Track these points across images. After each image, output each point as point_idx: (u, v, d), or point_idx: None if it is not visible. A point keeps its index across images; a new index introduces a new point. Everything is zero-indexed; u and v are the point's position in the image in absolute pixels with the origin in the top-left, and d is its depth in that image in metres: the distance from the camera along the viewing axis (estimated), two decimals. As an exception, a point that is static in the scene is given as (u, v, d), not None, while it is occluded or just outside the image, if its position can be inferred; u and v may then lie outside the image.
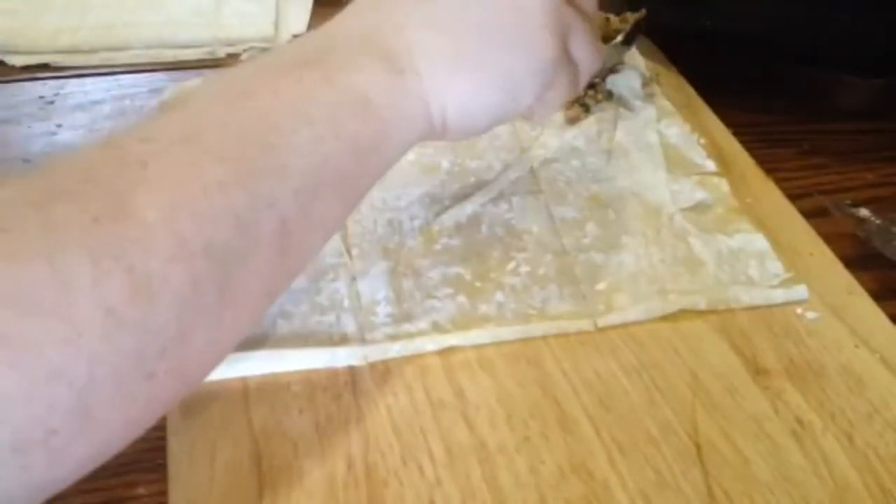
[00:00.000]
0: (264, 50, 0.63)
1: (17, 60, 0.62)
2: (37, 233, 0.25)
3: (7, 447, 0.24)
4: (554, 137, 0.52)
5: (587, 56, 0.40)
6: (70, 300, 0.25)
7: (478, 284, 0.43)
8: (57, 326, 0.24)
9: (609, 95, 0.56)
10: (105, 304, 0.25)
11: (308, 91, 0.33)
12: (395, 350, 0.39)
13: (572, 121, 0.54)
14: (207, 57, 0.64)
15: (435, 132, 0.37)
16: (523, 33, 0.37)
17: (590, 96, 0.55)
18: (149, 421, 0.29)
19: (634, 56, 0.59)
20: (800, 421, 0.37)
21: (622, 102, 0.55)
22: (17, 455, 0.24)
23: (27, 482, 0.25)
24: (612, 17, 0.58)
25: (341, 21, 0.37)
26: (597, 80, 0.56)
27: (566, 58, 0.38)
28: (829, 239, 0.46)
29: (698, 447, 0.36)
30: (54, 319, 0.25)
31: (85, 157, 0.29)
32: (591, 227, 0.46)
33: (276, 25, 0.66)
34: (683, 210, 0.47)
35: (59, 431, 0.25)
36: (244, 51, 0.64)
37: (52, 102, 0.58)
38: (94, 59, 0.63)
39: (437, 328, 0.40)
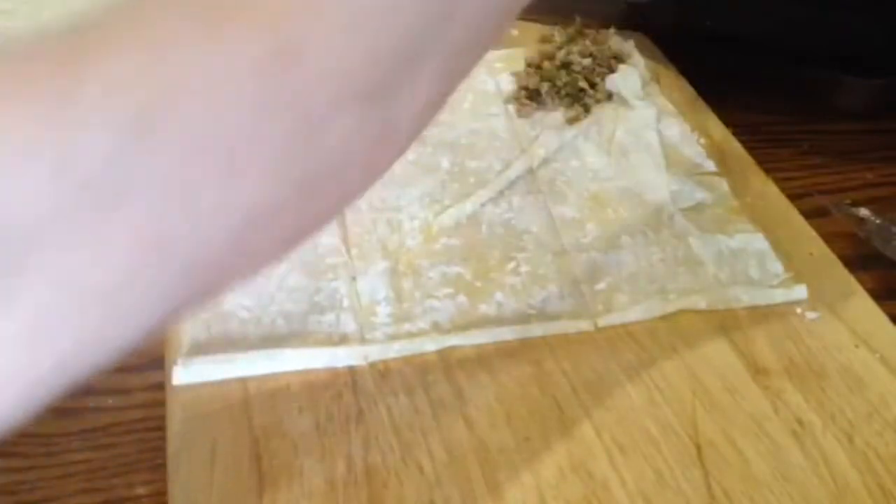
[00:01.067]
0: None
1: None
2: (202, 83, 0.22)
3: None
4: (554, 137, 0.52)
5: None
6: (233, 134, 0.22)
7: (478, 284, 0.43)
8: (218, 159, 0.22)
9: (609, 96, 0.56)
10: (269, 141, 0.23)
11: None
12: (395, 350, 0.39)
13: (572, 121, 0.54)
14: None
15: None
16: None
17: (589, 96, 0.55)
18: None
19: (634, 56, 0.59)
20: (800, 421, 0.37)
21: (622, 102, 0.55)
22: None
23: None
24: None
25: None
26: (597, 80, 0.56)
27: None
28: (829, 239, 0.46)
29: (698, 447, 0.36)
30: (216, 153, 0.22)
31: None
32: (591, 227, 0.46)
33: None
34: (683, 210, 0.47)
35: (221, 253, 0.23)
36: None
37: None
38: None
39: (436, 328, 0.40)
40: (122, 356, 0.23)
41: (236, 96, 0.22)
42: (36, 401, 0.23)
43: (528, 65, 0.57)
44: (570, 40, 0.58)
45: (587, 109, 0.55)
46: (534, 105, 0.55)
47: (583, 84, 0.55)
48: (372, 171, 0.27)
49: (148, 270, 0.22)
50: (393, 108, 0.26)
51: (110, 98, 0.21)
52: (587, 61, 0.56)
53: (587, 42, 0.58)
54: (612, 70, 0.57)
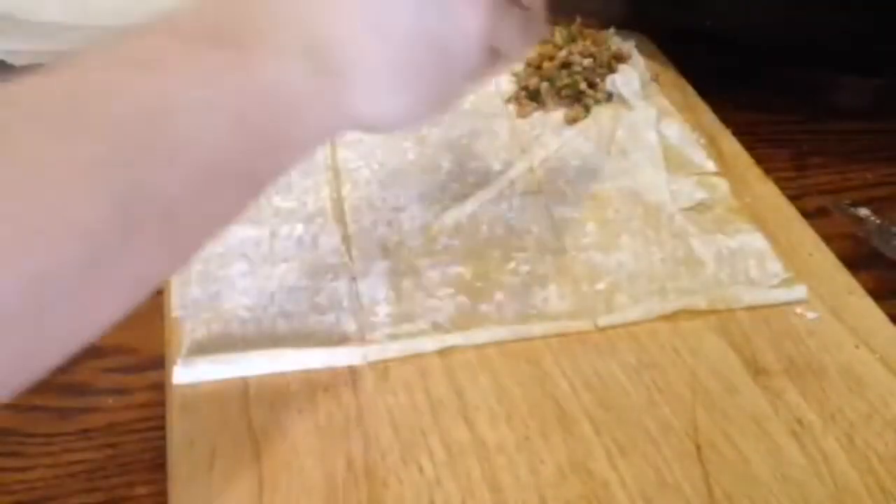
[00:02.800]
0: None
1: (17, 60, 0.62)
2: None
3: None
4: (554, 137, 0.52)
5: (512, 46, 0.38)
6: None
7: (478, 284, 0.43)
8: None
9: (609, 96, 0.56)
10: None
11: (215, 72, 0.29)
12: (394, 350, 0.39)
13: (572, 121, 0.54)
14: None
15: (351, 130, 0.35)
16: (459, 47, 0.34)
17: (589, 96, 0.55)
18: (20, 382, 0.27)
19: (634, 56, 0.59)
20: (800, 421, 0.37)
21: (622, 102, 0.55)
22: None
23: None
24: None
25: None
26: (597, 80, 0.56)
27: (490, 54, 0.36)
28: (829, 239, 0.46)
29: (698, 447, 0.36)
30: None
31: None
32: (590, 227, 0.46)
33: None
34: (683, 210, 0.47)
35: None
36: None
37: (51, 102, 0.58)
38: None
39: (436, 328, 0.40)
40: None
41: None
42: None
43: (528, 65, 0.57)
44: (571, 40, 0.58)
45: (587, 109, 0.55)
46: (534, 105, 0.55)
47: (583, 85, 0.55)
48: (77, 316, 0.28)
49: None
50: None
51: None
52: (587, 61, 0.56)
53: (587, 42, 0.58)
54: (612, 70, 0.57)
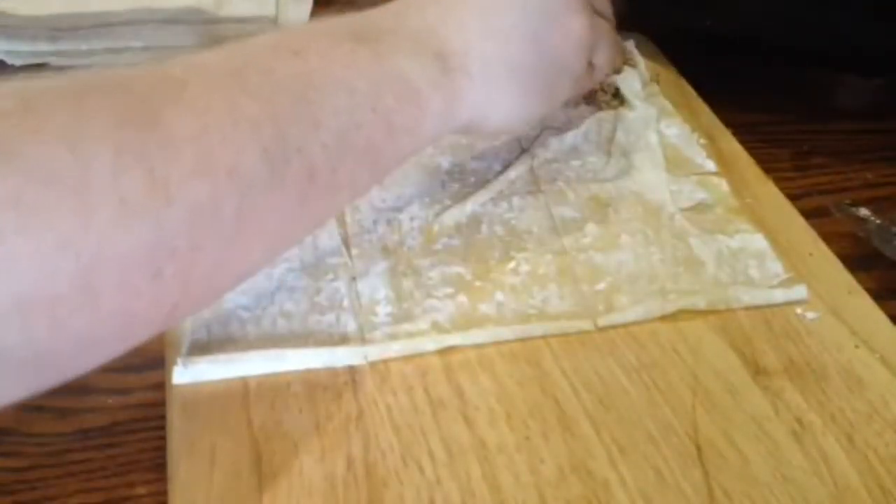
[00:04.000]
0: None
1: (18, 60, 0.62)
2: (64, 119, 0.26)
3: (11, 304, 0.25)
4: (554, 137, 0.52)
5: (606, 62, 0.45)
6: (87, 181, 0.26)
7: (478, 284, 0.43)
8: (70, 199, 0.25)
9: (616, 92, 0.55)
10: (120, 193, 0.26)
11: (355, 61, 0.34)
12: (395, 349, 0.39)
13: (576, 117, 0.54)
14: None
15: (468, 130, 0.40)
16: (567, 54, 0.41)
17: (601, 97, 0.55)
18: (148, 328, 0.30)
19: (634, 56, 0.59)
20: (800, 421, 0.37)
21: (622, 102, 0.55)
22: (20, 313, 0.25)
23: (27, 343, 0.26)
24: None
25: (403, 7, 0.38)
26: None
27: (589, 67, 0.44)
28: (829, 239, 0.46)
29: (698, 447, 0.36)
30: (68, 193, 0.25)
31: (125, 71, 0.30)
32: (591, 227, 0.46)
33: (276, 25, 0.66)
34: (683, 210, 0.47)
35: (62, 299, 0.26)
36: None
37: (51, 102, 0.58)
38: (95, 60, 0.63)
39: (437, 328, 0.40)
40: None
41: (88, 149, 0.26)
42: None
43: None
44: None
45: (601, 108, 0.54)
46: None
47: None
48: (235, 258, 0.32)
49: None
50: None
51: None
52: None
53: None
54: (616, 71, 0.57)
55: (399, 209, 0.47)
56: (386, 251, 0.44)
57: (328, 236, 0.45)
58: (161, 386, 0.38)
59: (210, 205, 0.28)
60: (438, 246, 0.45)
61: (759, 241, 0.46)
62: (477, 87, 0.38)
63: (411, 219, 0.46)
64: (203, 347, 0.39)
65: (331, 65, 0.33)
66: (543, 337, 0.40)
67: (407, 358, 0.39)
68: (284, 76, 0.32)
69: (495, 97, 0.39)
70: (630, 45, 0.59)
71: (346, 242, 0.44)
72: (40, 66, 0.62)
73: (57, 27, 0.64)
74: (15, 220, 0.24)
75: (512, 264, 0.44)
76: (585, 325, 0.41)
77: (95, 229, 0.26)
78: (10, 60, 0.62)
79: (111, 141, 0.26)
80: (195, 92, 0.29)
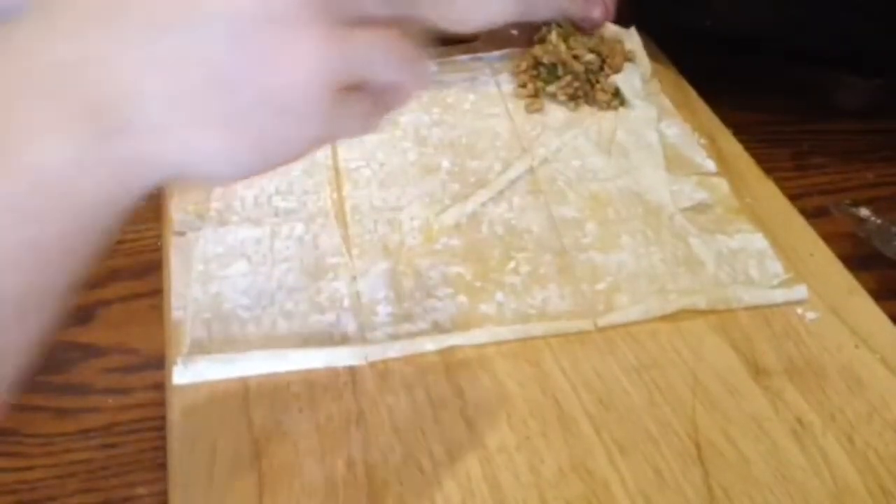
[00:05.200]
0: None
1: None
2: None
3: None
4: (554, 137, 0.52)
5: (393, 74, 0.30)
6: None
7: (478, 284, 0.43)
8: None
9: (615, 92, 0.55)
10: None
11: None
12: (395, 349, 0.39)
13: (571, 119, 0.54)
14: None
15: (169, 184, 0.32)
16: (283, 89, 0.27)
17: (599, 93, 0.55)
18: None
19: (635, 56, 0.59)
20: (800, 421, 0.37)
21: (622, 102, 0.55)
22: None
23: None
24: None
25: (28, 44, 0.26)
26: (600, 78, 0.55)
27: (351, 97, 0.29)
28: (829, 239, 0.46)
29: (698, 447, 0.36)
30: None
31: None
32: (591, 227, 0.46)
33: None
34: (683, 210, 0.47)
35: None
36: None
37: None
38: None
39: (437, 328, 0.40)
40: None
41: None
42: None
43: (529, 65, 0.57)
44: (565, 39, 0.57)
45: (600, 107, 0.55)
46: (540, 102, 0.55)
47: (576, 83, 0.55)
48: None
49: None
50: None
51: None
52: (591, 57, 0.56)
53: (585, 39, 0.57)
54: (616, 70, 0.56)
55: (399, 209, 0.47)
56: (386, 251, 0.44)
57: (328, 236, 0.45)
58: (161, 386, 0.38)
59: None
60: (438, 246, 0.45)
61: (759, 241, 0.46)
62: (154, 143, 0.27)
63: (411, 219, 0.46)
64: (203, 347, 0.39)
65: None
66: (543, 337, 0.40)
67: (407, 358, 0.39)
68: None
69: (188, 151, 0.28)
70: (632, 32, 0.59)
71: (346, 242, 0.44)
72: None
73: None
74: None
75: (512, 264, 0.44)
76: (585, 325, 0.41)
77: None
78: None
79: None
80: None
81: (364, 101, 0.30)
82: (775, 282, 0.43)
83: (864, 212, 0.50)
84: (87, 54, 0.26)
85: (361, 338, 0.40)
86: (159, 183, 0.28)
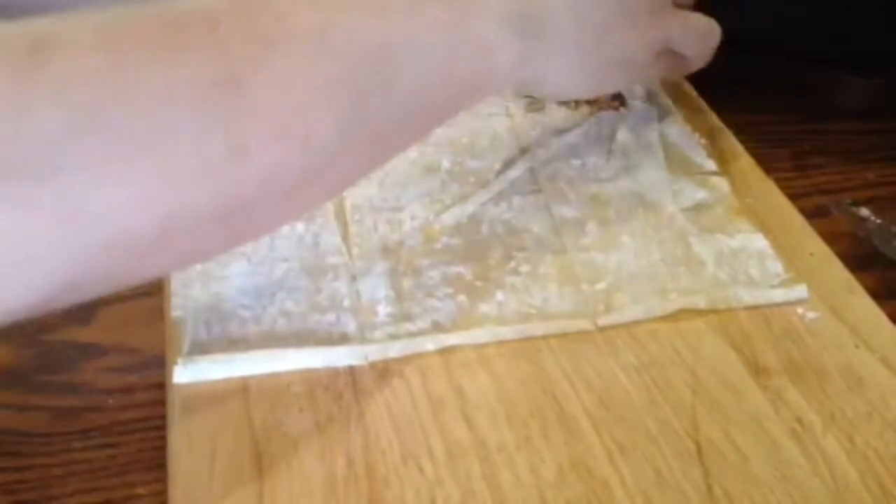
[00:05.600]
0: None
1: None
2: (154, 83, 0.28)
3: (99, 247, 0.28)
4: (554, 137, 0.52)
5: (698, 54, 0.47)
6: (173, 145, 0.28)
7: (478, 284, 0.43)
8: (156, 160, 0.28)
9: (617, 93, 0.55)
10: (202, 156, 0.28)
11: (437, 24, 0.35)
12: (395, 349, 0.39)
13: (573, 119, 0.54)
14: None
15: (522, 88, 0.44)
16: (632, 46, 0.43)
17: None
18: (208, 258, 0.39)
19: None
20: (800, 421, 0.37)
21: (622, 102, 0.55)
22: (106, 253, 0.28)
23: (107, 278, 0.30)
24: None
25: None
26: None
27: (664, 57, 0.45)
28: (829, 239, 0.46)
29: (698, 447, 0.36)
30: (155, 154, 0.28)
31: (219, 13, 0.30)
32: (591, 227, 0.46)
33: None
34: (684, 210, 0.47)
35: (141, 243, 0.29)
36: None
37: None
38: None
39: (437, 327, 0.40)
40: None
41: (177, 114, 0.28)
42: None
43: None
44: None
45: (601, 107, 0.55)
46: (540, 102, 0.55)
47: None
48: (293, 207, 0.34)
49: (68, 235, 0.27)
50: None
51: (62, 90, 0.26)
52: None
53: None
54: None
55: (399, 209, 0.47)
56: (386, 251, 0.44)
57: (328, 235, 0.45)
58: (161, 386, 0.38)
59: (281, 167, 0.30)
60: (439, 246, 0.45)
61: (759, 241, 0.46)
62: (544, 51, 0.39)
63: (412, 218, 0.46)
64: (203, 347, 0.39)
65: (412, 25, 0.34)
66: (543, 336, 0.40)
67: (407, 358, 0.39)
68: (366, 39, 0.33)
69: (555, 65, 0.40)
70: None
71: (346, 242, 0.44)
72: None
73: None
74: (109, 175, 0.27)
75: (512, 264, 0.44)
76: (585, 324, 0.41)
77: (177, 187, 0.28)
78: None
79: (197, 107, 0.28)
80: (282, 54, 0.30)
81: (670, 60, 0.46)
82: (775, 281, 0.43)
83: (864, 212, 0.50)
84: None
85: (361, 338, 0.40)
86: (524, 83, 0.41)
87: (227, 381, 0.38)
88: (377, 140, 0.34)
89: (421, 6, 0.35)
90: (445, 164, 0.50)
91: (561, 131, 0.53)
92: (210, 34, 0.30)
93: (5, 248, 0.26)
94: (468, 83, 0.37)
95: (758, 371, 0.39)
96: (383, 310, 0.41)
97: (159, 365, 0.39)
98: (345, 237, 0.45)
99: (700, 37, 0.47)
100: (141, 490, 0.36)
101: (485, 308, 0.41)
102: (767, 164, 0.52)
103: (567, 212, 0.47)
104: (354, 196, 0.47)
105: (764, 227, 0.47)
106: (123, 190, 0.27)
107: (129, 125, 0.27)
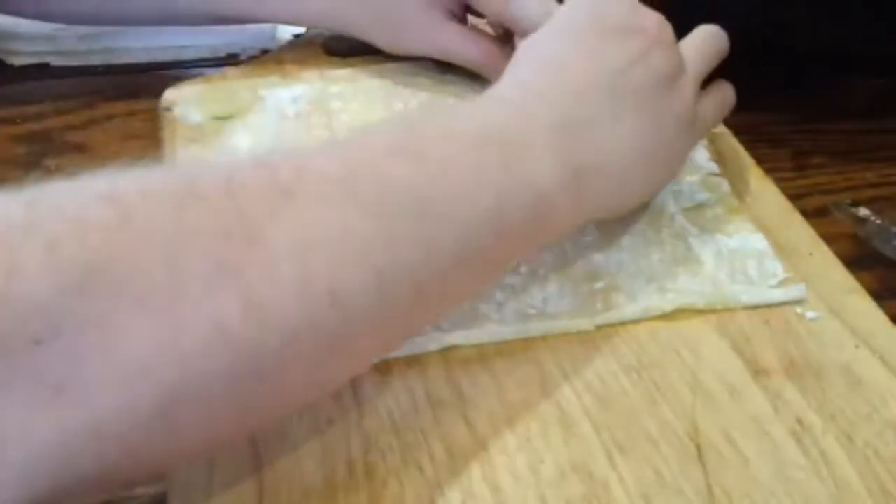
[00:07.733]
0: (264, 52, 0.63)
1: (18, 60, 0.62)
2: (164, 236, 0.25)
3: (88, 432, 0.24)
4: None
5: (715, 118, 0.47)
6: (179, 303, 0.25)
7: (478, 284, 0.42)
8: (159, 322, 0.24)
9: None
10: (213, 317, 0.25)
11: (481, 170, 0.32)
12: (395, 350, 0.39)
13: None
14: (208, 56, 0.64)
15: (593, 220, 0.42)
16: (674, 158, 0.42)
17: None
18: (231, 438, 0.30)
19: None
20: (800, 421, 0.37)
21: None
22: (97, 441, 0.24)
23: (100, 469, 0.25)
24: None
25: (528, 99, 0.36)
26: None
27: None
28: (829, 239, 0.46)
29: (698, 447, 0.36)
30: (159, 315, 0.24)
31: (234, 166, 0.28)
32: (591, 227, 0.46)
33: (276, 25, 0.66)
34: (684, 210, 0.47)
35: (138, 428, 0.25)
36: (243, 50, 0.64)
37: (51, 102, 0.58)
38: (94, 60, 0.63)
39: (437, 327, 0.40)
40: None
41: (183, 270, 0.25)
42: None
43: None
44: None
45: None
46: None
47: None
48: (323, 378, 0.32)
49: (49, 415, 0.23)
50: None
51: (56, 244, 0.23)
52: None
53: None
54: None
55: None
56: (386, 251, 0.44)
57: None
58: (161, 386, 0.38)
59: (307, 329, 0.27)
60: (438, 246, 0.45)
61: (758, 241, 0.46)
62: (610, 182, 0.37)
63: (411, 219, 0.46)
64: (203, 348, 0.39)
65: (453, 174, 0.31)
66: (543, 337, 0.40)
67: (407, 358, 0.39)
68: (401, 186, 0.30)
69: (626, 188, 0.39)
70: None
71: (346, 243, 0.44)
72: (40, 67, 0.62)
73: (56, 27, 0.64)
74: (99, 342, 0.23)
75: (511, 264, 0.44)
76: (585, 324, 0.41)
77: (181, 356, 0.25)
78: (9, 60, 0.62)
79: (209, 260, 0.25)
80: (302, 204, 0.28)
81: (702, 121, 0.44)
82: (775, 281, 0.43)
83: (864, 212, 0.50)
84: (572, 118, 0.36)
85: (361, 338, 0.40)
86: (593, 217, 0.41)
87: (226, 381, 0.38)
88: (422, 297, 0.31)
89: (460, 150, 0.32)
90: (445, 164, 0.50)
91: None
92: (222, 185, 0.27)
93: None
94: (523, 235, 0.34)
95: (758, 371, 0.39)
96: (383, 310, 0.41)
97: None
98: (345, 237, 0.45)
99: (720, 108, 0.47)
100: (141, 490, 0.36)
101: (484, 308, 0.41)
102: (767, 164, 0.52)
103: (567, 212, 0.47)
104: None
105: (764, 228, 0.47)
106: (116, 360, 0.24)
107: (131, 282, 0.24)
